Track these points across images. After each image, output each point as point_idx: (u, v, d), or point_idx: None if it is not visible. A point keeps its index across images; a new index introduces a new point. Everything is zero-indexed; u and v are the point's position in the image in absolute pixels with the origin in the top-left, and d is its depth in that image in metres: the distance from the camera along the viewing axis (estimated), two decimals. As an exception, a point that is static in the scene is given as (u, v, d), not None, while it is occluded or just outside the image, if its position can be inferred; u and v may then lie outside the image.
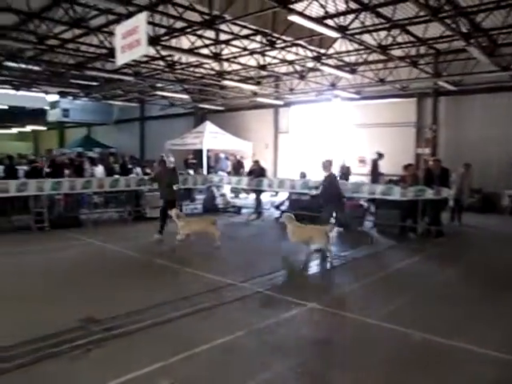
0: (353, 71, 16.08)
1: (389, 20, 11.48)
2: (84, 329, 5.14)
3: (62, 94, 25.14)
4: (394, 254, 9.94)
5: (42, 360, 4.39)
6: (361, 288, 7.17)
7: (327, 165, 9.90)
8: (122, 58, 8.72)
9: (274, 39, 12.80)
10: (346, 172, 16.63)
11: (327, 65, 14.98)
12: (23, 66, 16.92)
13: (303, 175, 14.57)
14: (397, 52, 14.07)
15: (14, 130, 40.28)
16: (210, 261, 8.75)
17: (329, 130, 21.91)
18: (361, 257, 9.33)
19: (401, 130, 18.96)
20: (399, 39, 12.90)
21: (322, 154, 20.12)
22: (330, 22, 11.11)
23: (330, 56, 14.88)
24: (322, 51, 14.28)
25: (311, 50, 14.40)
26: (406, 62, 14.72)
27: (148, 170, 17.00)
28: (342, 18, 11.20)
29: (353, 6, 10.86)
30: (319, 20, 10.74)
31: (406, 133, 18.82)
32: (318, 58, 14.51)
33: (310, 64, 15.64)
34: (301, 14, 9.94)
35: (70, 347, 4.65)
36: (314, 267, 8.31)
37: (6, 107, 28.11)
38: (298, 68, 16.89)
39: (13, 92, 22.66)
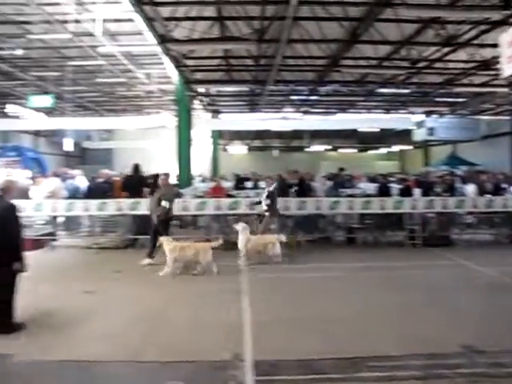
0: None
1: None
2: (466, 357, 4.84)
3: (428, 113, 25.75)
4: None
5: (428, 379, 4.38)
6: None
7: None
8: (509, 68, 8.02)
9: None
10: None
11: None
12: (393, 90, 18.11)
13: None
14: None
15: (383, 150, 43.51)
16: None
17: None
18: None
19: None
20: None
21: None
22: None
23: None
24: None
25: None
26: None
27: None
28: None
29: None
30: None
31: None
32: None
33: None
34: None
35: (452, 373, 4.46)
36: None
37: (378, 130, 30.87)
38: None
39: (383, 116, 24.80)
